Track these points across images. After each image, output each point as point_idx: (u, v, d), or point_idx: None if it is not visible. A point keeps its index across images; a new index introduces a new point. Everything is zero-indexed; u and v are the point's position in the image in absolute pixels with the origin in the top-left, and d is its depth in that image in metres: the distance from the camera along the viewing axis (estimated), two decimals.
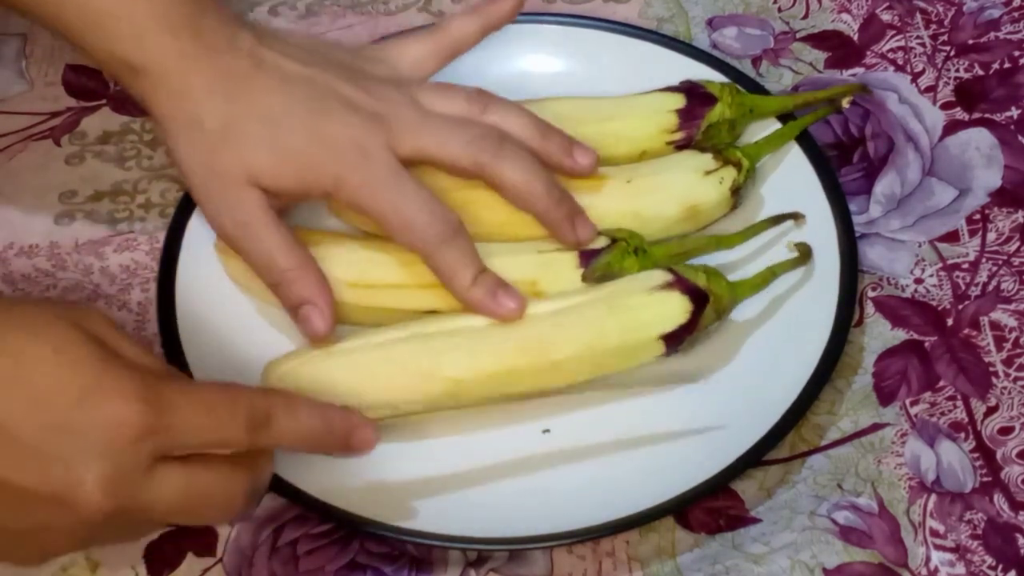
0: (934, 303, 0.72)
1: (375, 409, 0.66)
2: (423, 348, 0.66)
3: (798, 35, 0.84)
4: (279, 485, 0.64)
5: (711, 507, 0.66)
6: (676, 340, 0.68)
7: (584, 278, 0.69)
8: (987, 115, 0.79)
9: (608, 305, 0.67)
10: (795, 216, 0.73)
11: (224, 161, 0.67)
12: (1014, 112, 0.79)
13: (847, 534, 0.65)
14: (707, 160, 0.73)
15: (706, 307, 0.67)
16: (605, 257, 0.70)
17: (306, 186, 0.67)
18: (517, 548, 0.65)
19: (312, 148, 0.67)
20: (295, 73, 0.68)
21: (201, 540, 0.66)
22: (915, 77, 0.81)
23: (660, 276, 0.68)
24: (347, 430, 0.63)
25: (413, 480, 0.67)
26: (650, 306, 0.67)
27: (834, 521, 0.65)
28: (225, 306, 0.71)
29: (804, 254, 0.71)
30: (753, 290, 0.70)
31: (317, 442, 0.62)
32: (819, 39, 0.84)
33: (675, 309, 0.67)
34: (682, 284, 0.67)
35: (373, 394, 0.66)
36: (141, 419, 0.54)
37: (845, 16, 0.85)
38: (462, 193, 0.71)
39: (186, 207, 0.73)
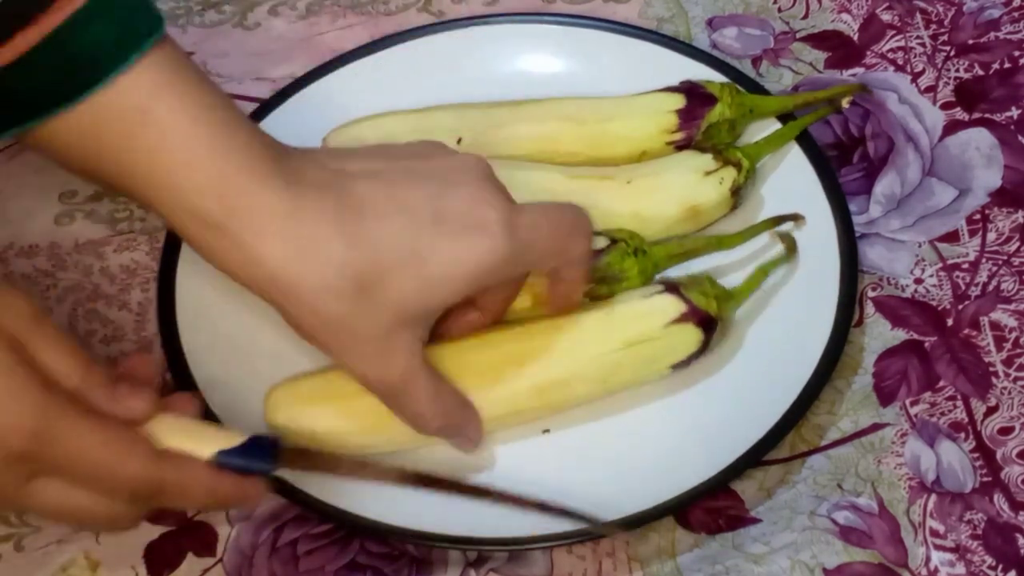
0: (934, 303, 0.72)
1: (377, 447, 0.66)
2: None
3: (798, 35, 0.84)
4: (279, 485, 0.64)
5: (711, 507, 0.66)
6: (684, 365, 0.68)
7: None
8: (987, 115, 0.79)
9: (623, 338, 0.67)
10: (795, 217, 0.73)
11: (369, 317, 0.60)
12: (1014, 112, 0.79)
13: (847, 534, 0.65)
14: (707, 160, 0.73)
15: (715, 332, 0.68)
16: (605, 257, 0.69)
17: (455, 297, 0.62)
18: (517, 548, 0.65)
19: (464, 255, 0.60)
20: (388, 174, 0.62)
21: (201, 540, 0.66)
22: (915, 77, 0.81)
23: (674, 306, 0.67)
24: (236, 498, 0.58)
25: None
26: (666, 339, 0.67)
27: (834, 521, 0.65)
28: (225, 306, 0.71)
29: (790, 247, 0.71)
30: (748, 292, 0.70)
31: (203, 507, 0.62)
32: (819, 39, 0.84)
33: (689, 340, 0.67)
34: (696, 315, 0.67)
35: (378, 432, 0.66)
36: (24, 445, 0.52)
37: (845, 16, 0.85)
38: None
39: None
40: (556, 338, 0.67)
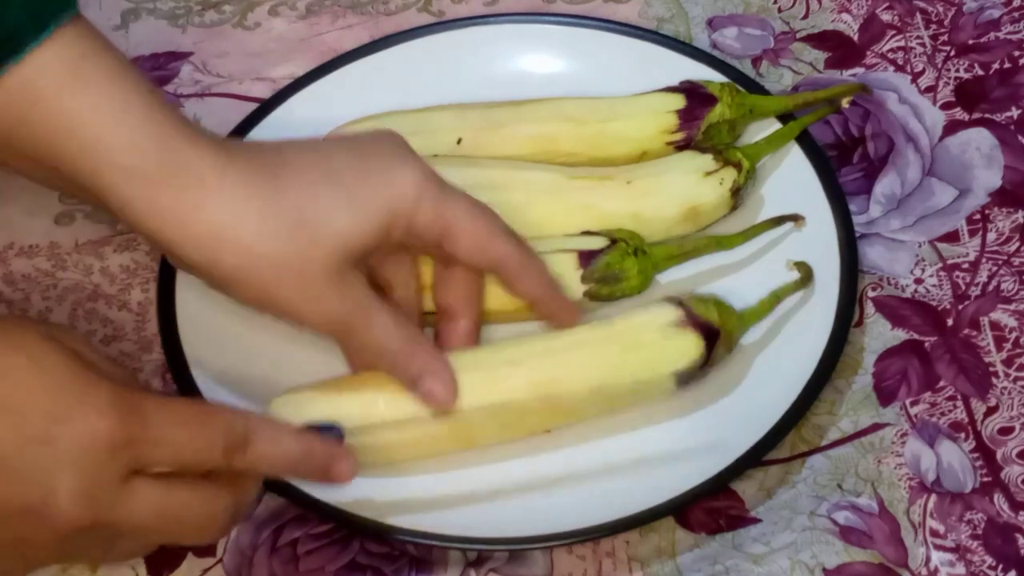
0: (934, 303, 0.72)
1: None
2: None
3: (798, 35, 0.84)
4: (279, 485, 0.64)
5: (711, 507, 0.66)
6: (689, 377, 0.67)
7: (583, 279, 0.70)
8: (987, 115, 0.79)
9: (620, 344, 0.66)
10: (795, 218, 0.73)
11: (315, 252, 0.62)
12: (1014, 112, 0.79)
13: (847, 534, 0.65)
14: (707, 161, 0.73)
15: (717, 343, 0.67)
16: (605, 258, 0.70)
17: (387, 229, 0.64)
18: (517, 548, 0.65)
19: (384, 189, 0.64)
20: (312, 142, 0.66)
21: None
22: (915, 77, 0.81)
23: (672, 313, 0.67)
24: (327, 460, 0.61)
25: (413, 480, 0.67)
26: (663, 344, 0.66)
27: (834, 521, 0.65)
28: (225, 305, 0.71)
29: (805, 276, 0.70)
30: (759, 317, 0.70)
31: (295, 468, 0.61)
32: (819, 39, 0.84)
33: (688, 347, 0.66)
34: (694, 321, 0.66)
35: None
36: (116, 431, 0.53)
37: (845, 16, 0.85)
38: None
39: None
40: (553, 344, 0.67)
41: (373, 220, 0.63)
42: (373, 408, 0.65)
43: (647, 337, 0.66)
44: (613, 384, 0.66)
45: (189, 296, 0.71)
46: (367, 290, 0.64)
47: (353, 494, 0.64)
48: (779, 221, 0.73)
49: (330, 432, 0.63)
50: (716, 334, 0.67)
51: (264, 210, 0.61)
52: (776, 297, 0.70)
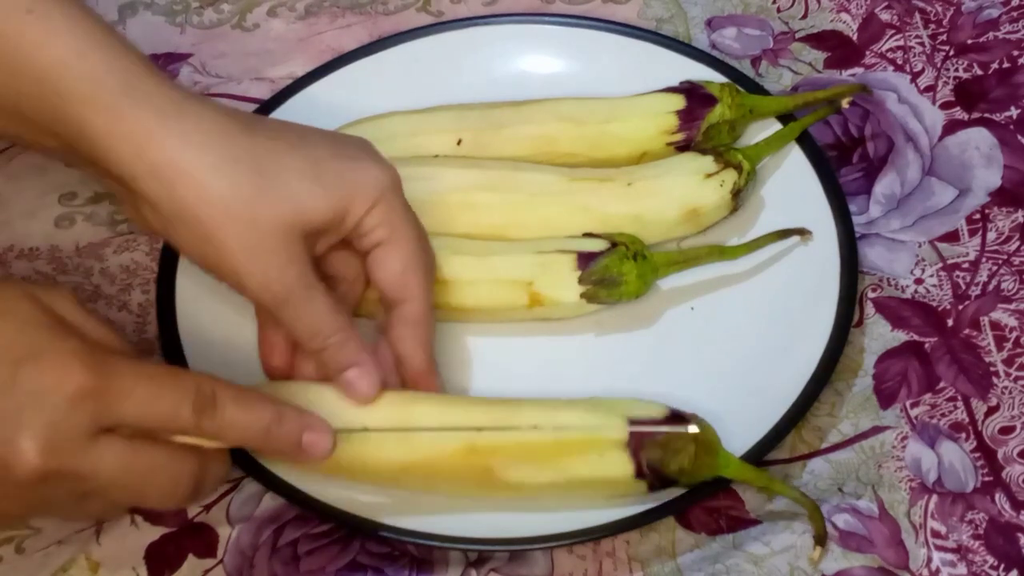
0: (934, 303, 0.72)
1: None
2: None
3: (797, 35, 0.84)
4: (279, 485, 0.64)
5: (711, 507, 0.66)
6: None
7: (581, 280, 0.69)
8: (986, 115, 0.79)
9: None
10: (801, 232, 0.72)
11: (267, 205, 0.61)
12: (1013, 112, 0.79)
13: (846, 539, 0.65)
14: (708, 163, 0.73)
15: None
16: (603, 260, 0.69)
17: (342, 214, 0.63)
18: (518, 548, 0.65)
19: (349, 174, 0.63)
20: (296, 123, 0.66)
21: (202, 541, 0.66)
22: (914, 77, 0.81)
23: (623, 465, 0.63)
24: (299, 429, 0.61)
25: None
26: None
27: (834, 525, 0.65)
28: (225, 306, 0.71)
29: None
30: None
31: (265, 436, 0.60)
32: (818, 39, 0.84)
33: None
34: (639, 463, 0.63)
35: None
36: (80, 380, 0.54)
37: (844, 16, 0.85)
38: (461, 195, 0.72)
39: None
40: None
41: (331, 199, 0.62)
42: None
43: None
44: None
45: (189, 297, 0.71)
46: (310, 267, 0.63)
47: (353, 494, 0.65)
48: (785, 234, 0.72)
49: None
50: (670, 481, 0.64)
51: (224, 153, 0.60)
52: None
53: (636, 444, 0.62)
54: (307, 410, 0.62)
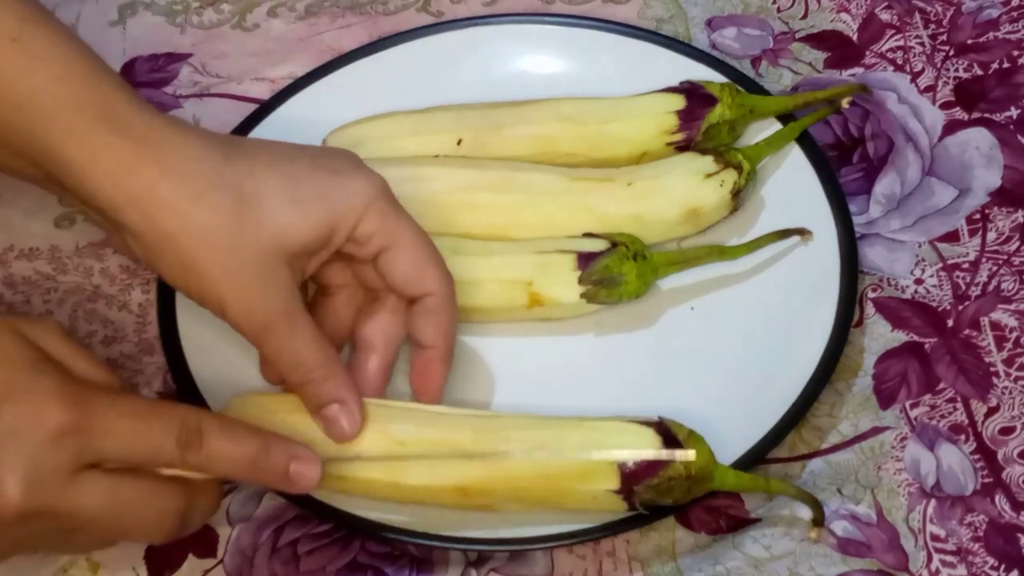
0: (934, 304, 0.72)
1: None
2: None
3: (797, 35, 0.84)
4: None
5: (711, 507, 0.66)
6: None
7: (581, 280, 0.69)
8: (986, 115, 0.79)
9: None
10: (802, 232, 0.72)
11: (248, 232, 0.60)
12: (1013, 112, 0.79)
13: (845, 547, 0.65)
14: (708, 163, 0.73)
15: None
16: (603, 260, 0.69)
17: (330, 232, 0.63)
18: (518, 548, 0.65)
19: (332, 191, 0.63)
20: (275, 141, 0.66)
21: (202, 541, 0.66)
22: (914, 77, 0.81)
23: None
24: (286, 458, 0.60)
25: None
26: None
27: (832, 532, 0.65)
28: None
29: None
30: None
31: (251, 467, 0.59)
32: (818, 39, 0.84)
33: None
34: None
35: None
36: (61, 417, 0.54)
37: (844, 16, 0.85)
38: (461, 195, 0.72)
39: None
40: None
41: (316, 219, 0.62)
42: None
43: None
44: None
45: None
46: (296, 294, 0.62)
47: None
48: (785, 234, 0.72)
49: None
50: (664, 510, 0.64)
51: (204, 181, 0.60)
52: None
53: (628, 490, 0.62)
54: (294, 440, 0.61)
